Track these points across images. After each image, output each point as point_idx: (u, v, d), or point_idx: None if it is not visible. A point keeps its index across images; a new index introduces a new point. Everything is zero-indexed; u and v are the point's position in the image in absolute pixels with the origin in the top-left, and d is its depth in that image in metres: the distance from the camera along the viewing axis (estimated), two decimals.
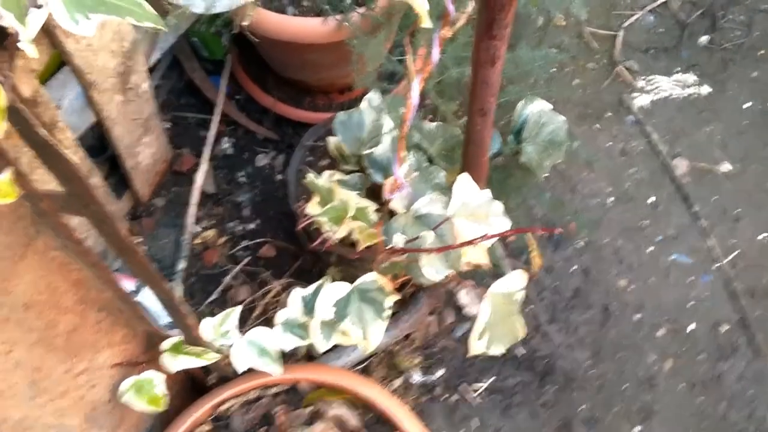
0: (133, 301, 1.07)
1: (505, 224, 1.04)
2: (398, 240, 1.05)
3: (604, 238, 1.84)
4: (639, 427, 1.63)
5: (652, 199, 1.90)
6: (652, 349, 1.71)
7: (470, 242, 0.92)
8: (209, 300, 1.74)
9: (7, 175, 0.54)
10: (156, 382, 1.14)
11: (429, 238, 1.03)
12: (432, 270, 1.01)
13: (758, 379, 1.69)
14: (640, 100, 2.03)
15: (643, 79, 2.06)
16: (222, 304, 1.74)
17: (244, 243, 1.81)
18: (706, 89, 2.05)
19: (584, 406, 1.64)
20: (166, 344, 1.15)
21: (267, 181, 1.89)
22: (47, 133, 0.65)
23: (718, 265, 1.82)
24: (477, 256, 1.00)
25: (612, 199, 1.89)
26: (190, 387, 1.46)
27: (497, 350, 0.95)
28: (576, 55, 2.07)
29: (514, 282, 0.95)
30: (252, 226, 1.83)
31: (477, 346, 0.94)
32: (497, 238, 0.98)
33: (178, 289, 1.74)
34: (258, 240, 1.81)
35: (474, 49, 0.97)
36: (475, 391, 1.65)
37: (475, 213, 1.03)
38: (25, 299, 0.87)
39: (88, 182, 0.72)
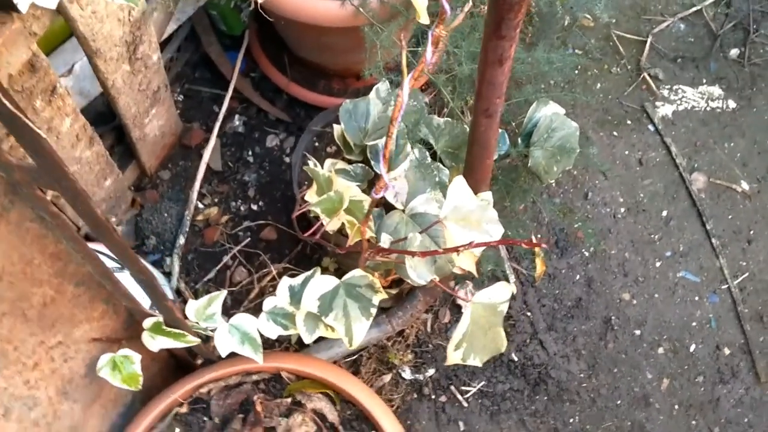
0: (114, 278, 1.05)
1: (498, 232, 1.01)
2: (385, 240, 1.02)
3: (611, 248, 1.79)
4: None
5: (665, 212, 1.85)
6: (651, 366, 1.67)
7: (455, 249, 0.88)
8: (206, 278, 1.73)
9: None
10: (133, 360, 1.12)
11: (416, 240, 0.99)
12: (415, 274, 0.98)
13: (756, 406, 1.65)
14: (663, 110, 1.97)
15: (668, 89, 2.00)
16: (219, 282, 1.73)
17: (246, 223, 1.79)
18: (731, 104, 1.99)
19: (575, 418, 1.61)
20: (146, 323, 1.14)
21: (275, 162, 1.86)
22: (14, 104, 0.63)
23: (726, 286, 1.77)
24: (465, 263, 0.97)
25: (624, 209, 1.84)
26: (175, 366, 1.45)
27: (475, 362, 0.92)
28: (601, 59, 2.01)
29: (498, 293, 0.92)
30: (255, 207, 1.81)
31: (453, 356, 0.91)
32: (485, 246, 0.94)
33: (175, 265, 1.72)
34: (260, 222, 1.79)
35: (482, 48, 0.94)
36: (465, 393, 1.63)
37: (467, 218, 1.00)
38: None
39: (57, 156, 0.69)
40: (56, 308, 0.99)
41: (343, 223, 1.25)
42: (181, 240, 1.75)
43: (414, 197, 1.19)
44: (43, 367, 1.02)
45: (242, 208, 1.82)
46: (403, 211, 1.17)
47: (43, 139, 0.67)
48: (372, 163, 1.35)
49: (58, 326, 1.01)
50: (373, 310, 1.15)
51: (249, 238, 1.77)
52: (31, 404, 1.03)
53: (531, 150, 1.33)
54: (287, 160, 1.86)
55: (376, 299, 1.15)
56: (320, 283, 1.16)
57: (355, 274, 1.15)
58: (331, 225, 1.20)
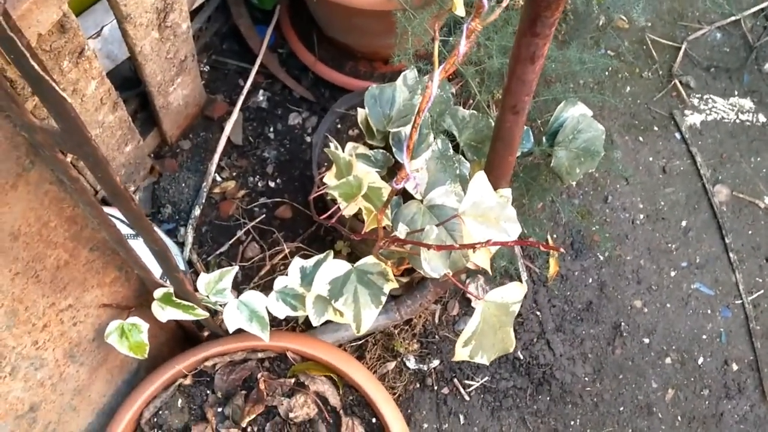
0: (129, 245, 1.06)
1: (515, 230, 0.99)
2: (401, 230, 1.01)
3: (627, 254, 1.78)
4: None
5: (685, 222, 1.83)
6: (657, 375, 1.66)
7: (472, 246, 0.87)
8: (219, 251, 1.73)
9: None
10: (141, 329, 1.13)
11: (433, 233, 0.98)
12: (429, 267, 0.97)
13: (760, 424, 1.63)
14: (691, 119, 1.94)
15: (698, 98, 1.97)
16: (231, 257, 1.73)
17: (263, 200, 1.79)
18: (762, 118, 1.96)
19: (576, 421, 1.60)
20: (157, 293, 1.14)
21: (296, 141, 1.85)
22: (41, 66, 0.62)
23: (740, 301, 1.75)
24: (480, 260, 0.96)
25: (643, 216, 1.82)
26: (182, 338, 1.45)
27: (482, 360, 0.92)
28: (633, 62, 1.99)
29: (511, 293, 0.91)
30: (273, 184, 1.81)
31: (461, 353, 0.90)
32: (502, 245, 0.93)
33: (189, 236, 1.73)
34: (276, 199, 1.79)
35: (515, 44, 0.92)
36: (467, 387, 1.62)
37: (485, 214, 0.99)
38: (13, 229, 0.85)
39: (80, 121, 0.69)
40: (69, 272, 0.99)
41: (359, 209, 1.25)
42: (197, 211, 1.75)
43: (433, 188, 1.18)
44: (52, 328, 1.02)
45: (259, 184, 1.81)
46: (421, 201, 1.16)
47: (68, 103, 0.66)
48: (394, 150, 1.34)
49: (69, 289, 1.01)
50: (383, 298, 1.14)
51: (264, 215, 1.77)
52: (38, 365, 1.04)
53: (555, 150, 1.31)
54: (308, 139, 1.86)
55: (387, 288, 1.15)
56: (332, 267, 1.15)
57: (368, 261, 1.14)
58: (348, 210, 1.20)
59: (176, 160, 1.82)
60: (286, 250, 1.70)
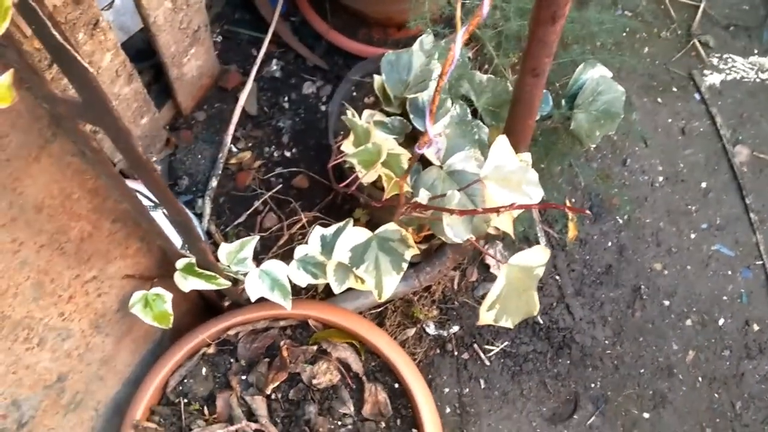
0: (150, 216, 1.06)
1: (537, 194, 0.99)
2: (423, 196, 1.01)
3: (647, 217, 1.76)
4: (648, 414, 1.59)
5: (705, 184, 1.81)
6: (677, 337, 1.66)
7: (495, 209, 0.87)
8: (237, 222, 1.73)
9: (7, 77, 0.51)
10: (165, 299, 1.13)
11: (455, 198, 0.98)
12: (452, 232, 0.96)
13: None
14: (711, 79, 1.91)
15: (718, 57, 1.94)
16: (249, 227, 1.73)
17: (279, 170, 1.79)
18: None
19: (596, 384, 1.61)
20: (179, 263, 1.14)
21: (310, 110, 1.85)
22: (63, 36, 0.62)
23: (760, 262, 1.74)
24: (503, 224, 0.95)
25: (662, 178, 1.81)
26: (204, 308, 1.46)
27: (507, 323, 0.92)
28: (651, 22, 1.95)
29: (535, 257, 0.90)
30: (289, 153, 1.81)
31: (486, 317, 0.91)
32: (524, 209, 0.93)
33: (207, 207, 1.73)
34: (293, 169, 1.78)
35: (535, 5, 0.91)
36: (487, 352, 1.63)
37: (508, 178, 0.98)
38: (37, 201, 0.86)
39: (103, 92, 0.69)
40: (93, 243, 1.00)
41: (378, 176, 1.24)
42: (214, 182, 1.75)
43: (452, 154, 1.17)
44: (78, 300, 1.03)
45: (275, 154, 1.81)
46: (441, 167, 1.16)
47: (90, 73, 0.66)
48: (411, 117, 1.33)
49: (93, 261, 1.02)
50: (404, 265, 1.15)
51: (281, 185, 1.77)
52: (65, 335, 1.05)
53: (574, 113, 1.30)
54: (323, 108, 1.85)
55: (408, 254, 1.15)
56: (353, 234, 1.16)
57: (389, 228, 1.14)
58: (367, 177, 1.19)
59: (192, 132, 1.82)
60: (304, 220, 1.70)
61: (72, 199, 0.91)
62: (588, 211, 0.89)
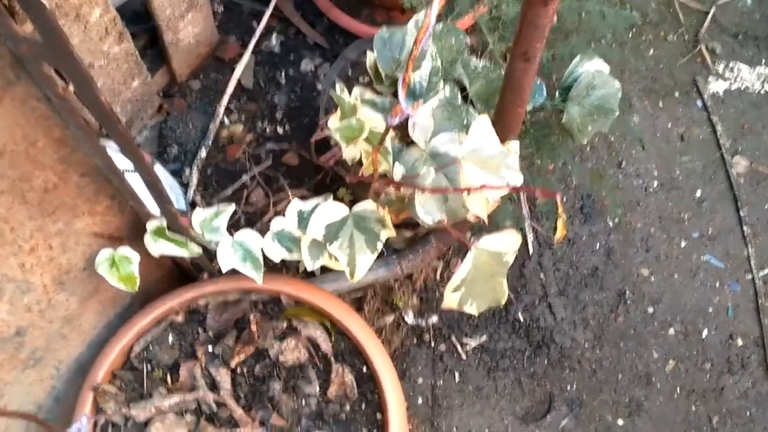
0: (122, 175, 1.04)
1: (517, 180, 0.96)
2: (398, 171, 0.98)
3: (638, 222, 1.73)
4: (622, 421, 1.56)
5: (700, 192, 1.78)
6: (658, 346, 1.63)
7: (465, 189, 0.84)
8: (223, 194, 1.71)
9: None
10: (132, 261, 1.11)
11: (430, 175, 0.96)
12: (423, 210, 0.94)
13: (761, 401, 1.60)
14: (715, 86, 1.88)
15: (724, 65, 1.90)
16: (235, 201, 1.71)
17: (270, 146, 1.76)
18: None
19: (572, 386, 1.58)
20: (150, 225, 1.12)
21: (307, 87, 1.82)
22: None
23: (750, 276, 1.71)
24: (475, 207, 0.93)
25: (657, 183, 1.77)
26: (179, 278, 1.44)
27: (471, 309, 0.89)
28: (658, 24, 1.92)
29: (506, 242, 0.88)
30: (281, 130, 1.78)
31: (450, 298, 0.88)
32: (499, 191, 0.90)
33: (193, 177, 1.71)
34: (284, 145, 1.76)
35: None
36: (465, 346, 1.60)
37: (486, 162, 0.95)
38: None
39: (61, 31, 0.66)
40: (58, 195, 0.97)
41: (360, 153, 1.22)
42: (203, 153, 1.73)
43: (437, 135, 1.15)
44: (40, 253, 1.01)
45: (268, 130, 1.78)
46: (424, 149, 1.13)
47: (46, 9, 0.64)
48: (399, 96, 1.30)
49: (59, 214, 1.00)
50: (379, 245, 1.12)
51: (270, 161, 1.74)
52: (25, 288, 1.03)
53: (567, 105, 1.27)
54: (320, 87, 1.82)
55: (384, 234, 1.12)
56: (329, 210, 1.13)
57: (366, 206, 1.12)
58: (348, 152, 1.17)
59: (185, 100, 1.79)
60: (291, 198, 1.68)
61: (37, 147, 0.89)
62: (559, 195, 0.86)
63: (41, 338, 1.13)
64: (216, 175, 1.73)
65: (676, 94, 1.87)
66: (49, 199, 0.96)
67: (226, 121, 1.79)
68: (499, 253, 0.88)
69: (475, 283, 0.87)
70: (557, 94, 1.30)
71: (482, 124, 0.95)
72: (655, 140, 1.81)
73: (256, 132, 1.79)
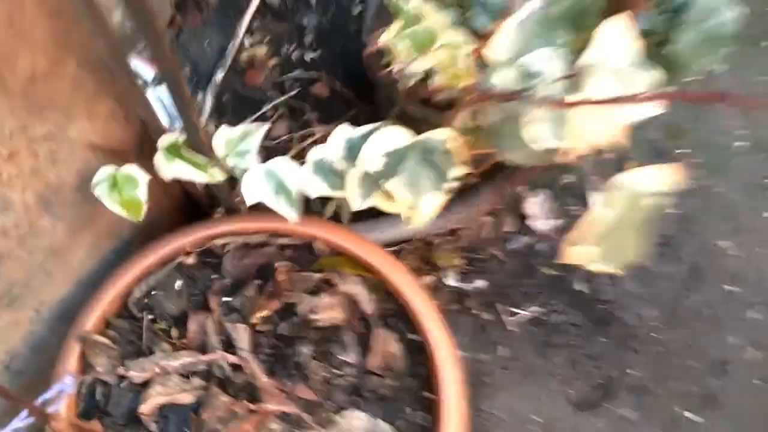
0: (131, 71, 0.80)
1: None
2: (500, 81, 0.75)
3: (719, 186, 1.51)
4: (691, 414, 1.35)
5: None
6: (736, 329, 1.41)
7: (614, 100, 0.61)
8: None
9: None
10: (138, 182, 0.88)
11: (543, 90, 0.72)
12: (535, 131, 0.71)
13: None
14: None
15: None
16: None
17: (297, 73, 1.53)
18: None
19: (635, 370, 1.37)
20: (163, 140, 0.88)
21: (342, 9, 1.58)
22: None
23: None
24: (609, 131, 0.70)
25: (742, 143, 1.54)
26: (189, 214, 1.21)
27: (599, 266, 0.67)
28: None
29: (652, 179, 0.65)
30: (311, 56, 1.54)
31: (572, 252, 0.65)
32: (649, 114, 0.68)
33: (208, 103, 1.47)
34: (313, 74, 1.52)
35: None
36: (513, 316, 1.39)
37: (619, 76, 0.72)
38: None
39: None
40: (49, 88, 0.74)
41: (426, 74, 1.00)
42: (219, 76, 1.50)
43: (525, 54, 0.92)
44: (22, 161, 0.77)
45: (294, 55, 1.55)
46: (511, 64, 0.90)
47: None
48: (476, 9, 1.07)
49: (47, 114, 0.76)
50: (447, 186, 0.90)
51: (297, 91, 1.51)
52: (1, 205, 0.79)
53: (676, 31, 1.04)
54: (358, 9, 1.58)
55: (452, 173, 0.90)
56: (389, 137, 0.91)
57: (435, 135, 0.89)
58: (417, 65, 0.94)
59: (201, 15, 1.55)
60: (321, 133, 1.45)
61: (23, 13, 0.65)
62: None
63: (19, 271, 0.90)
64: (233, 103, 1.50)
65: (762, 44, 1.64)
66: (37, 91, 0.73)
67: (247, 42, 1.55)
68: (639, 194, 0.65)
69: (609, 233, 0.64)
70: (663, 17, 1.07)
71: (615, 25, 0.72)
72: (743, 92, 1.58)
73: (280, 56, 1.55)
